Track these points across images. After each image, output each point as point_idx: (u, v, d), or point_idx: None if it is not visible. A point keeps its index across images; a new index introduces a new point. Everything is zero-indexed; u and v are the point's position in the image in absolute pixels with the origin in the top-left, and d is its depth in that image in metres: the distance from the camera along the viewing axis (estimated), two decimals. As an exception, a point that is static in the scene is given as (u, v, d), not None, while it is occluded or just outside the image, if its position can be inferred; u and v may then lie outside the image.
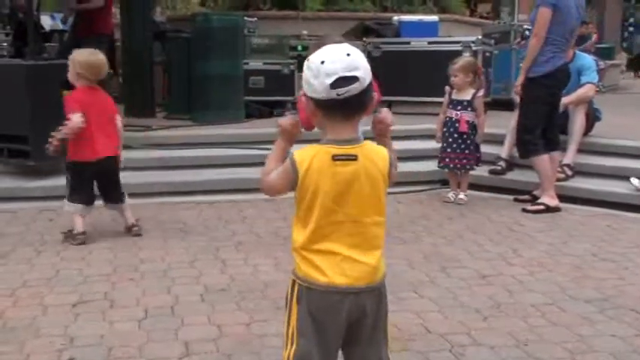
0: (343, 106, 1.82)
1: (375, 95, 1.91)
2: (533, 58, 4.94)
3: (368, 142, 1.90)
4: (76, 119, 4.13)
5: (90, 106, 4.21)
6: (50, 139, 4.19)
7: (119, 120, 4.43)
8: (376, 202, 1.91)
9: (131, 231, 4.41)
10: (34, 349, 2.81)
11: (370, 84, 1.85)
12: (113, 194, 4.41)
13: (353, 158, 1.84)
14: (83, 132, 4.17)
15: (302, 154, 1.85)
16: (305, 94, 1.87)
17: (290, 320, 1.93)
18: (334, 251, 1.86)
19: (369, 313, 1.91)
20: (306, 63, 1.85)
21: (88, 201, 4.31)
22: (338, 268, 1.86)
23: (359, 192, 1.86)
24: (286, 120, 1.97)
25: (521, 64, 5.50)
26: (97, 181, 4.34)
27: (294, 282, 1.92)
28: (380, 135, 2.02)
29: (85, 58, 4.28)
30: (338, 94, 1.78)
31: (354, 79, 1.79)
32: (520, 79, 5.09)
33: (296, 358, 1.91)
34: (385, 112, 2.02)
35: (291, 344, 1.91)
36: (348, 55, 1.81)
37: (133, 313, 3.19)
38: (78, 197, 4.26)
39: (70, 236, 4.28)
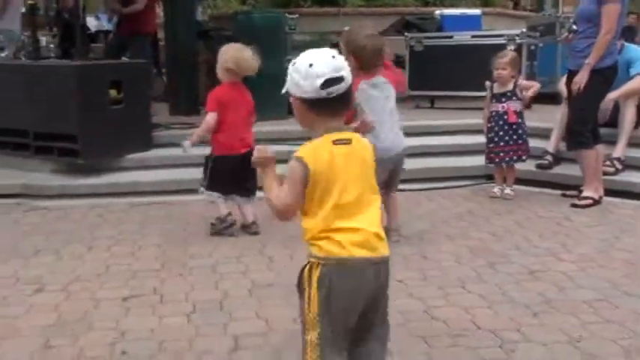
0: (331, 103, 1.97)
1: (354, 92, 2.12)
2: (602, 55, 4.82)
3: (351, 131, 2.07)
4: (209, 117, 4.27)
5: (229, 103, 4.31)
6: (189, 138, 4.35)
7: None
8: (371, 181, 2.05)
9: (250, 228, 4.43)
10: (87, 343, 2.87)
11: (352, 83, 2.01)
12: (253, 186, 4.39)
13: (348, 142, 2.00)
14: (221, 127, 4.28)
15: (303, 151, 1.98)
16: (292, 95, 2.00)
17: (310, 304, 1.98)
18: (352, 227, 1.96)
19: (385, 288, 2.05)
20: (291, 66, 1.99)
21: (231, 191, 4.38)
22: (359, 241, 1.96)
23: (358, 171, 2.01)
24: (255, 155, 2.12)
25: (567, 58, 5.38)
26: (231, 175, 4.34)
27: (312, 265, 1.99)
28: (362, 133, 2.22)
29: (235, 52, 4.33)
30: (328, 94, 1.94)
31: (340, 79, 1.95)
32: (584, 75, 4.84)
33: (321, 341, 1.96)
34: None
35: (313, 328, 1.98)
36: (333, 57, 1.97)
37: (182, 308, 3.23)
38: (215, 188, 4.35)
39: (217, 224, 4.40)
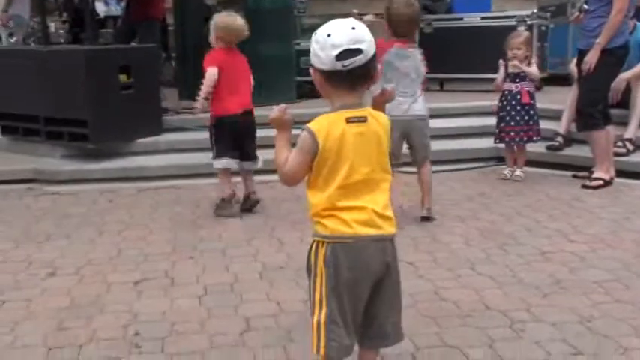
0: (348, 76, 1.91)
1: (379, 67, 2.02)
2: (613, 34, 4.77)
3: (369, 108, 2.01)
4: (211, 71, 4.32)
5: (225, 65, 4.36)
6: (194, 102, 4.45)
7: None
8: (383, 160, 2.01)
9: (249, 199, 4.52)
10: (100, 325, 2.90)
11: (374, 55, 1.93)
12: (250, 151, 4.51)
13: (364, 120, 1.95)
14: (219, 89, 4.35)
15: (317, 124, 1.94)
16: (312, 66, 1.96)
17: (317, 285, 1.98)
18: (358, 206, 1.95)
19: (392, 267, 2.02)
20: (313, 37, 1.94)
21: (233, 154, 4.44)
22: (364, 220, 1.95)
23: (370, 150, 1.97)
24: (274, 112, 2.06)
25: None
26: (233, 137, 4.42)
27: (318, 244, 1.98)
28: (378, 105, 2.13)
29: (223, 20, 4.40)
30: (343, 65, 1.88)
31: (358, 52, 1.88)
32: (595, 55, 4.80)
33: (329, 321, 1.95)
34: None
35: (321, 308, 1.97)
36: (353, 28, 1.90)
37: (193, 290, 3.26)
38: (223, 152, 4.42)
39: (221, 206, 4.46)
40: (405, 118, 4.12)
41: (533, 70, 5.24)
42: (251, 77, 4.57)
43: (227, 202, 4.45)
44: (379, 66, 2.01)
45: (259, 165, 4.53)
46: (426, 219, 4.25)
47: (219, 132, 4.41)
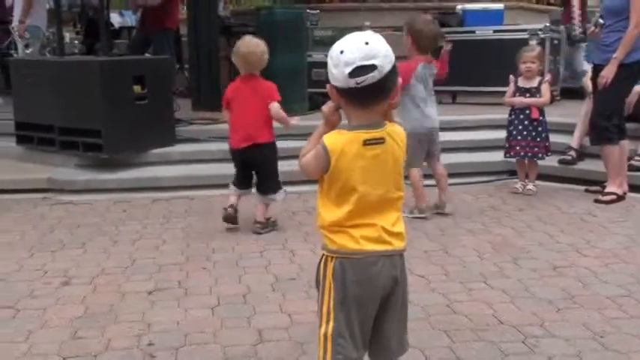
0: (362, 94, 1.85)
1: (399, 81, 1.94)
2: (630, 49, 4.77)
3: (388, 124, 1.96)
4: (223, 113, 4.50)
5: (234, 96, 4.34)
6: None
7: (274, 107, 4.28)
8: (398, 178, 1.99)
9: (253, 227, 4.41)
10: (114, 335, 2.92)
11: (392, 71, 1.85)
12: (262, 184, 4.44)
13: (381, 142, 1.91)
14: (230, 119, 4.40)
15: (332, 140, 1.91)
16: (329, 82, 1.92)
17: (325, 298, 1.98)
18: (367, 223, 1.94)
19: (400, 280, 2.00)
20: (329, 52, 1.89)
21: (239, 185, 4.47)
22: (373, 237, 1.93)
23: (386, 171, 1.94)
24: (326, 107, 2.02)
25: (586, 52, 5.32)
26: (240, 167, 4.44)
27: (327, 258, 1.98)
28: (385, 114, 2.02)
29: (243, 50, 4.30)
30: (357, 83, 1.82)
31: (371, 68, 1.81)
32: (612, 69, 4.80)
33: (335, 334, 1.95)
34: (397, 100, 2.09)
35: (328, 321, 1.97)
36: (367, 43, 1.83)
37: (206, 301, 3.27)
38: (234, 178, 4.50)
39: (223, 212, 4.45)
40: (433, 129, 4.62)
41: (545, 94, 5.20)
42: (267, 105, 4.28)
43: (225, 210, 4.42)
44: (399, 80, 1.94)
45: (277, 199, 4.41)
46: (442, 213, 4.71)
47: (232, 159, 4.49)
